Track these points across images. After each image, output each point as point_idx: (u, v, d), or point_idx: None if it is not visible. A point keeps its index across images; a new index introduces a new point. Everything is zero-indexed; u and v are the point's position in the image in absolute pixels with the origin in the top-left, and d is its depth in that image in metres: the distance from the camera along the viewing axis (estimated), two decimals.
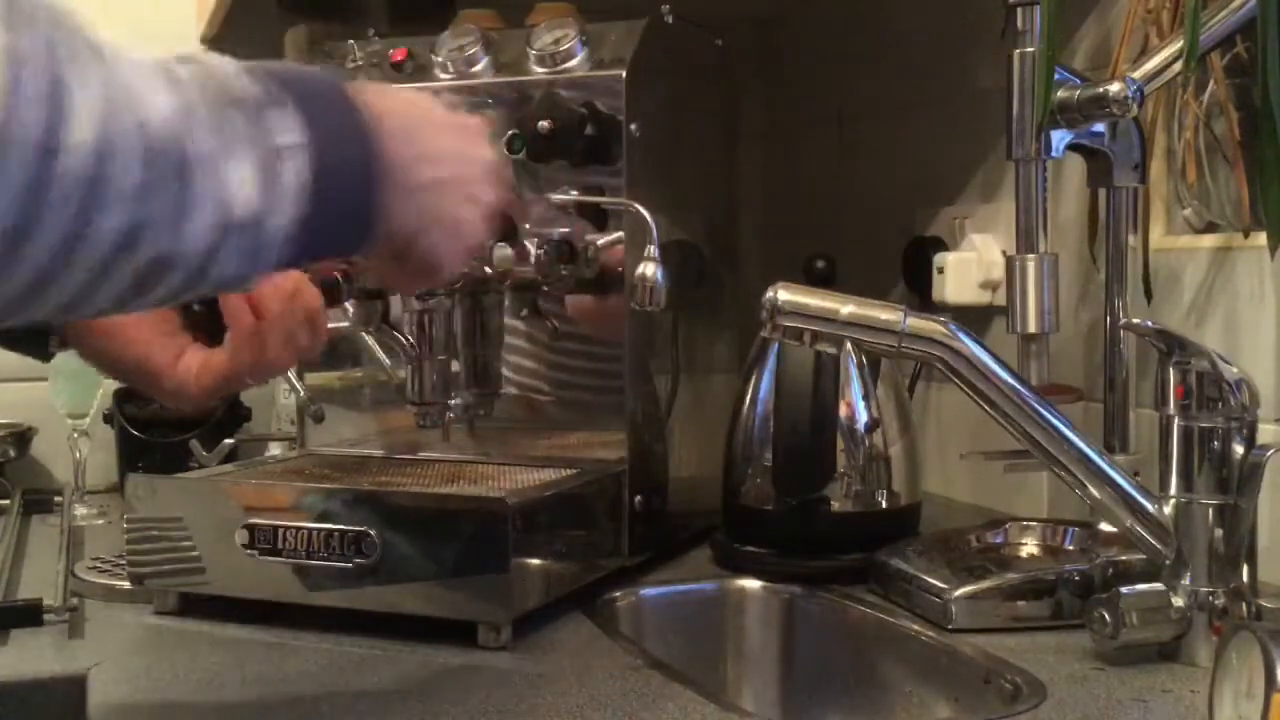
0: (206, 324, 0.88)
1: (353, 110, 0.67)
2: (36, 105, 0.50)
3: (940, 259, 1.42)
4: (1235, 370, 0.90)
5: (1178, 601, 0.90)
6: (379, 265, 0.81)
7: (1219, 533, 0.90)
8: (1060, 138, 1.06)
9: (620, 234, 1.12)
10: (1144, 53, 1.11)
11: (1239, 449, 0.90)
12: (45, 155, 0.50)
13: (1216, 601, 0.90)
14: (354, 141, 0.67)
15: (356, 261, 0.93)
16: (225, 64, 0.62)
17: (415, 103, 0.76)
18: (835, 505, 1.16)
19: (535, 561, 1.00)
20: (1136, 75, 1.02)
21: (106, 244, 0.54)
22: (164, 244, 0.57)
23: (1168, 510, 0.92)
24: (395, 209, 0.69)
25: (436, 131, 0.75)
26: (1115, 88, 1.01)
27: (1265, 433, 0.93)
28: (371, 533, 0.97)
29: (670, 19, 1.19)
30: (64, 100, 0.51)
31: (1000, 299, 1.24)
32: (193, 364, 0.88)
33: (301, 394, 1.18)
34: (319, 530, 0.99)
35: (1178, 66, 1.03)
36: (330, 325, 0.94)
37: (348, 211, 0.67)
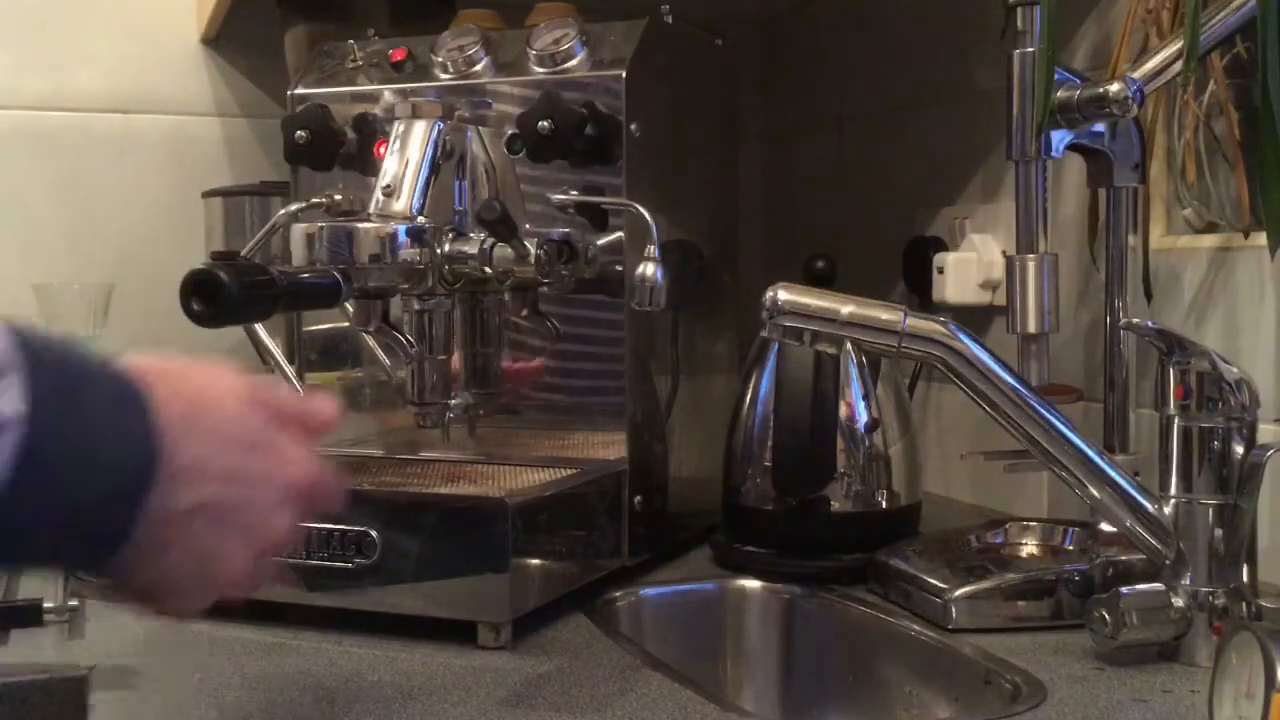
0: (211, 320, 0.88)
1: (135, 409, 0.55)
2: None
3: (940, 259, 1.42)
4: (1235, 370, 0.90)
5: (1178, 601, 0.90)
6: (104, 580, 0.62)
7: (1219, 533, 0.90)
8: (1060, 138, 1.06)
9: (620, 234, 1.12)
10: (1144, 53, 1.11)
11: (1239, 449, 0.90)
12: None
13: (1216, 601, 0.90)
14: (117, 435, 0.54)
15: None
16: None
17: (215, 389, 0.61)
18: (835, 505, 1.16)
19: (535, 561, 1.00)
20: (1136, 75, 1.03)
21: None
22: None
23: (1168, 510, 0.92)
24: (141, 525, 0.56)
25: (224, 441, 0.60)
26: (1115, 88, 1.01)
27: (1265, 433, 0.93)
28: (371, 533, 0.97)
29: (670, 19, 1.19)
30: None
31: (1000, 299, 1.24)
32: None
33: (301, 394, 1.18)
34: (319, 530, 0.99)
35: (1178, 66, 1.03)
36: (330, 325, 0.94)
37: (82, 525, 0.54)
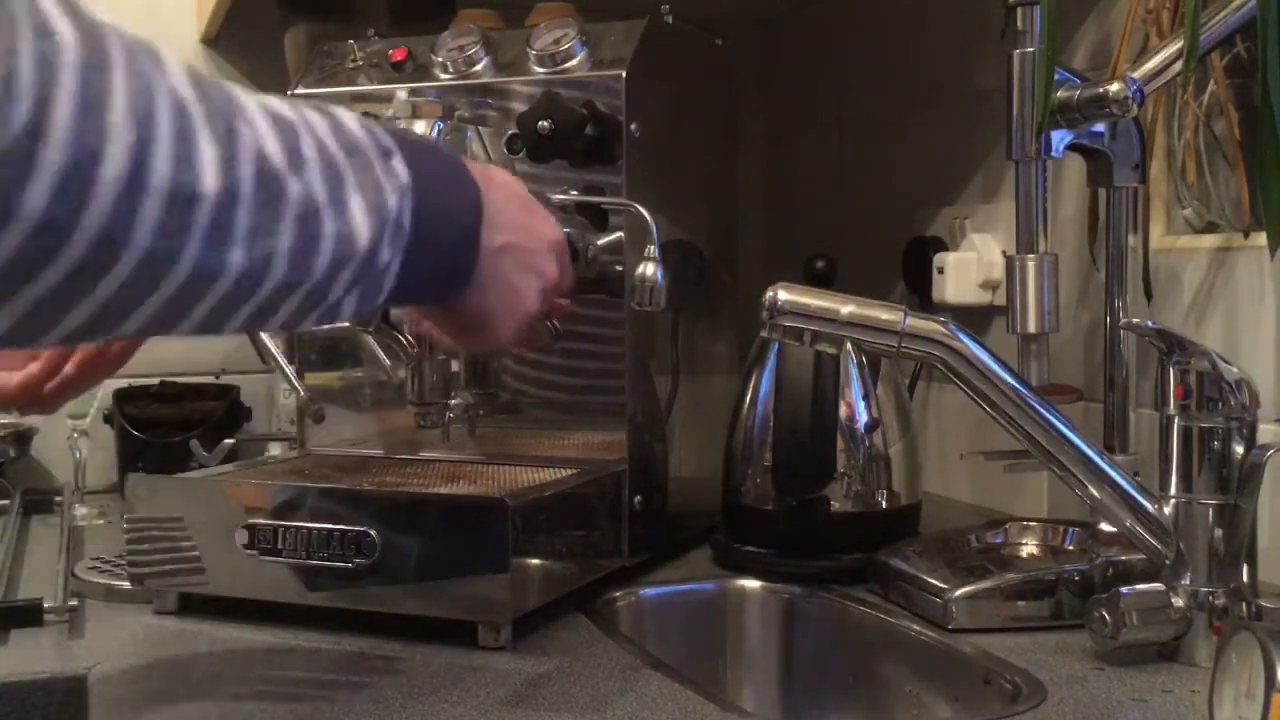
0: None
1: (458, 167, 0.73)
2: (170, 160, 0.53)
3: (940, 259, 1.42)
4: (1235, 370, 0.90)
5: (1178, 601, 0.90)
6: (433, 319, 0.82)
7: (1219, 533, 0.90)
8: (1060, 138, 1.06)
9: (620, 234, 1.12)
10: (1144, 53, 1.11)
11: (1239, 449, 0.90)
12: (178, 201, 0.54)
13: (1216, 601, 0.90)
14: (459, 193, 0.72)
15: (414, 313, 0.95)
16: (341, 112, 0.66)
17: (488, 170, 0.79)
18: (835, 505, 1.16)
19: (535, 561, 1.00)
20: (1136, 75, 1.02)
21: (232, 279, 0.58)
22: (287, 278, 0.60)
23: (1168, 510, 0.92)
24: (476, 264, 0.73)
25: (507, 200, 0.78)
26: (1115, 88, 1.01)
27: (1265, 433, 0.93)
28: (371, 533, 0.97)
29: (670, 19, 1.19)
30: (193, 154, 0.54)
31: (1000, 299, 1.24)
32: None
33: (301, 394, 1.18)
34: (319, 530, 0.99)
35: (1178, 66, 1.03)
36: (330, 325, 0.94)
37: (447, 258, 0.72)
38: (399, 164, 0.67)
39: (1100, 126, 1.08)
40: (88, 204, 0.50)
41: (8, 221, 0.49)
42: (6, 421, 1.58)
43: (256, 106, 0.59)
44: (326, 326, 0.72)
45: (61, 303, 0.53)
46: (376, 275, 0.66)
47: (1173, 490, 0.92)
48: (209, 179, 0.55)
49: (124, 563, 1.08)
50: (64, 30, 0.50)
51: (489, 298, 0.77)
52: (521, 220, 0.79)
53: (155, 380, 1.60)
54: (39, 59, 0.48)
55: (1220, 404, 0.90)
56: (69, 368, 0.89)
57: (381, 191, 0.65)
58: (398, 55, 1.21)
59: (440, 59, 1.19)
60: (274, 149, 0.59)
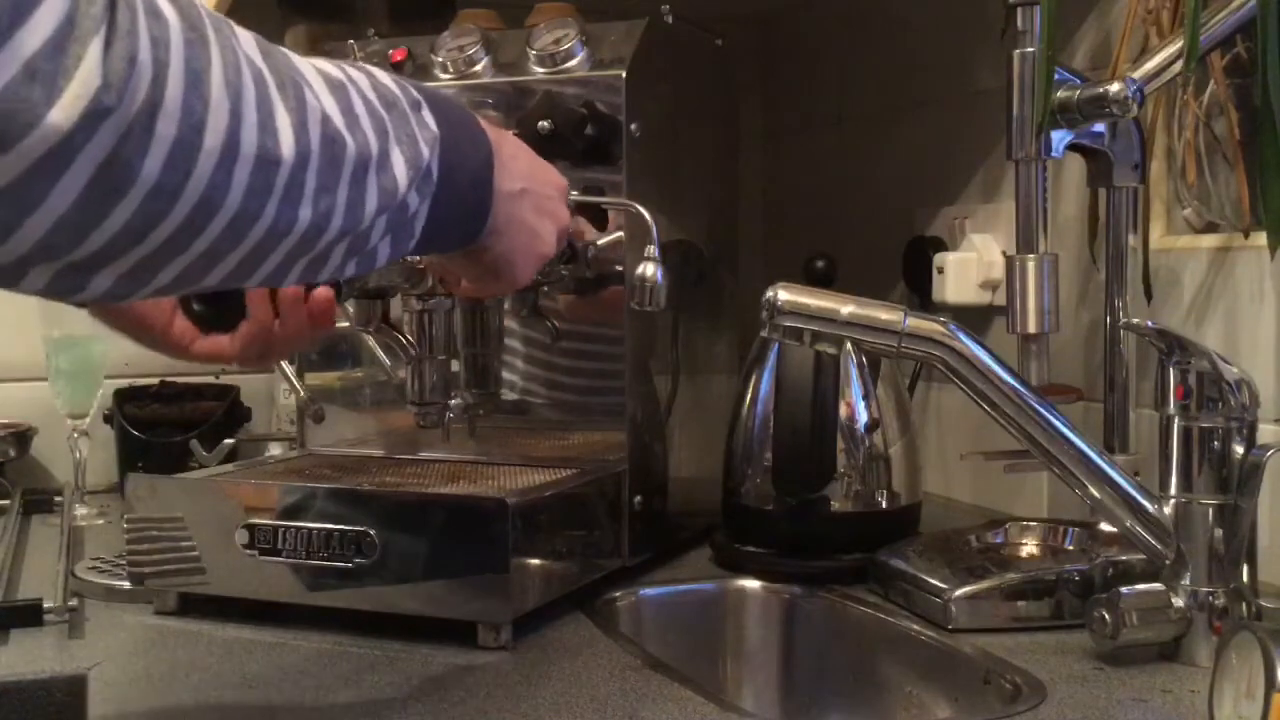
0: (209, 320, 0.89)
1: (471, 117, 0.77)
2: (256, 127, 0.57)
3: (940, 259, 1.42)
4: (1235, 370, 0.90)
5: (1178, 601, 0.90)
6: (456, 264, 0.85)
7: (1219, 533, 0.90)
8: (1060, 138, 1.06)
9: (620, 234, 1.12)
10: (1144, 53, 1.11)
11: (1239, 449, 0.90)
12: (262, 165, 0.58)
13: (1216, 601, 0.90)
14: (474, 142, 0.76)
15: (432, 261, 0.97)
16: (377, 71, 0.70)
17: (492, 125, 0.82)
18: (835, 505, 1.16)
19: (535, 561, 1.00)
20: (1136, 75, 1.02)
21: (300, 233, 0.62)
22: (341, 229, 0.64)
23: (1168, 510, 0.92)
24: (494, 208, 0.78)
25: (517, 149, 0.83)
26: (1115, 88, 1.01)
27: (1265, 433, 0.93)
28: (371, 533, 0.97)
29: (670, 19, 1.19)
30: (273, 121, 0.58)
31: (1000, 299, 1.24)
32: (189, 331, 0.89)
33: (301, 394, 1.18)
34: (319, 530, 0.99)
35: (1178, 66, 1.03)
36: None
37: (467, 204, 0.76)
38: (428, 115, 0.71)
39: (1100, 126, 1.08)
40: (193, 170, 0.54)
41: (129, 189, 0.53)
42: (6, 421, 1.58)
43: (311, 70, 0.63)
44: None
45: (160, 261, 0.57)
46: (408, 221, 0.70)
47: (1173, 490, 0.92)
48: (286, 143, 0.59)
49: (124, 563, 1.08)
50: (168, 12, 0.54)
51: (508, 241, 0.81)
52: (532, 167, 0.84)
53: (155, 380, 1.60)
54: (153, 39, 0.52)
55: (1220, 404, 0.90)
56: (278, 326, 0.91)
57: (416, 143, 0.69)
58: (398, 55, 1.21)
59: (440, 59, 1.19)
60: (333, 110, 0.63)
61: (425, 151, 0.69)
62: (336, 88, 0.64)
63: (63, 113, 0.49)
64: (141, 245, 0.55)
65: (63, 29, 0.49)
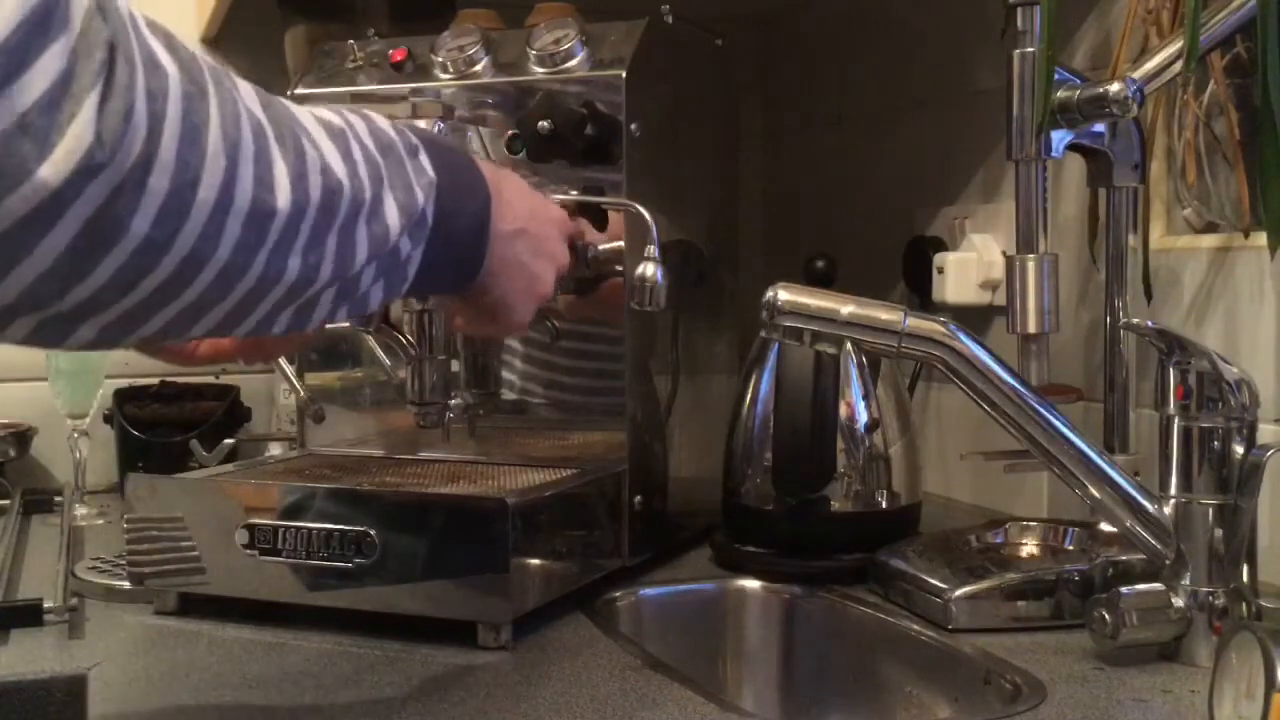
0: None
1: (469, 160, 0.77)
2: (252, 180, 0.57)
3: (940, 259, 1.42)
4: (1235, 370, 0.90)
5: (1178, 601, 0.90)
6: (454, 305, 0.86)
7: (1219, 533, 0.90)
8: (1060, 138, 1.06)
9: (620, 244, 1.12)
10: (1144, 53, 1.11)
11: (1239, 449, 0.90)
12: (255, 218, 0.58)
13: (1216, 601, 0.90)
14: (472, 187, 0.76)
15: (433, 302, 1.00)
16: (376, 116, 0.71)
17: (492, 164, 0.84)
18: (835, 505, 1.16)
19: (535, 561, 1.00)
20: (1136, 75, 1.02)
21: (289, 283, 0.62)
22: (331, 277, 0.64)
23: (1168, 510, 0.92)
24: (490, 251, 0.78)
25: (516, 190, 0.83)
26: (1115, 88, 1.01)
27: (1265, 433, 0.93)
28: (371, 533, 0.97)
29: (670, 19, 1.19)
30: (270, 174, 0.58)
31: (1000, 299, 1.24)
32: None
33: (301, 394, 1.18)
34: (319, 530, 0.99)
35: (1178, 66, 1.03)
36: (331, 325, 0.94)
37: (463, 249, 0.76)
38: (425, 161, 0.71)
39: (1100, 126, 1.08)
40: (184, 225, 0.54)
41: (118, 243, 0.52)
42: (6, 421, 1.58)
43: (311, 119, 0.63)
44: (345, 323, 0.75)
45: (146, 312, 0.56)
46: (401, 265, 0.70)
47: (1173, 490, 0.92)
48: (282, 196, 0.59)
49: (124, 563, 1.08)
50: (168, 64, 0.53)
51: (506, 283, 0.81)
52: (531, 207, 0.84)
53: (155, 380, 1.60)
54: (150, 93, 0.52)
55: (1220, 404, 0.90)
56: None
57: (411, 189, 0.69)
58: (398, 55, 1.21)
59: (440, 59, 1.19)
60: (333, 160, 0.63)
61: (420, 197, 0.70)
62: (336, 135, 0.65)
63: (53, 169, 0.48)
64: (128, 297, 0.55)
65: (60, 83, 0.48)
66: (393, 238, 0.68)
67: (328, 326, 0.92)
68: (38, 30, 0.48)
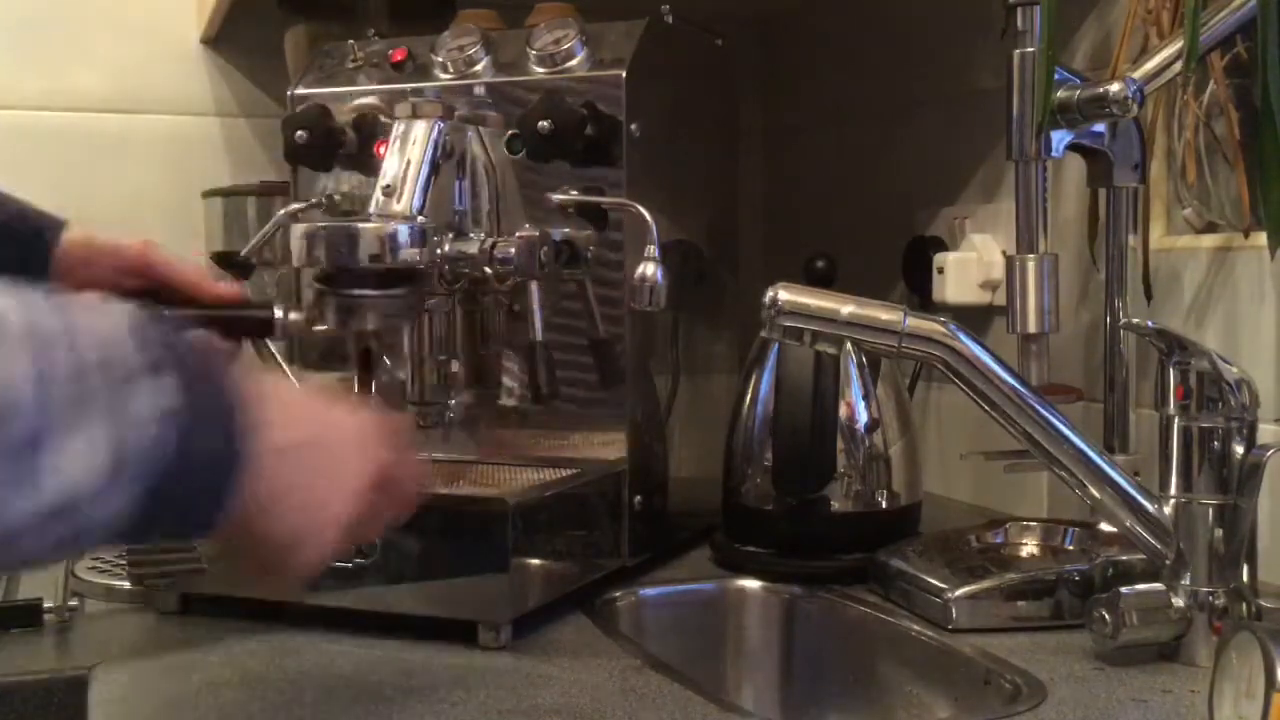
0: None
1: (225, 373, 0.62)
2: None
3: (940, 259, 1.42)
4: (1235, 370, 0.90)
5: (1178, 601, 0.90)
6: (224, 551, 0.74)
7: (1219, 533, 0.90)
8: (1060, 138, 1.06)
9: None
10: (1144, 53, 1.11)
11: (1239, 449, 0.90)
12: None
13: (1216, 601, 0.90)
14: (224, 410, 0.61)
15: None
16: (124, 320, 0.58)
17: (311, 404, 0.71)
18: (835, 505, 1.16)
19: (535, 561, 1.00)
20: (1136, 75, 1.02)
21: None
22: None
23: (1168, 510, 0.92)
24: (249, 483, 0.61)
25: (297, 398, 0.71)
26: (1115, 88, 1.01)
27: (1265, 433, 0.93)
28: None
29: (670, 19, 1.19)
30: None
31: (1000, 299, 1.24)
32: None
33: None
34: None
35: (1178, 66, 1.03)
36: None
37: (201, 489, 0.60)
38: (169, 380, 0.58)
39: (1100, 126, 1.08)
40: None
41: None
42: None
43: (19, 322, 0.54)
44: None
45: None
46: (93, 519, 0.56)
47: (1173, 490, 0.92)
48: None
49: (124, 563, 1.08)
50: None
51: (280, 520, 0.65)
52: (317, 413, 0.69)
53: None
54: None
55: (1220, 404, 0.90)
56: None
57: (127, 422, 0.56)
58: (398, 55, 1.21)
59: (440, 59, 1.19)
60: (21, 375, 0.53)
61: (142, 430, 0.56)
62: (42, 344, 0.54)
63: None
64: None
65: None
66: (77, 484, 0.54)
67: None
68: None
